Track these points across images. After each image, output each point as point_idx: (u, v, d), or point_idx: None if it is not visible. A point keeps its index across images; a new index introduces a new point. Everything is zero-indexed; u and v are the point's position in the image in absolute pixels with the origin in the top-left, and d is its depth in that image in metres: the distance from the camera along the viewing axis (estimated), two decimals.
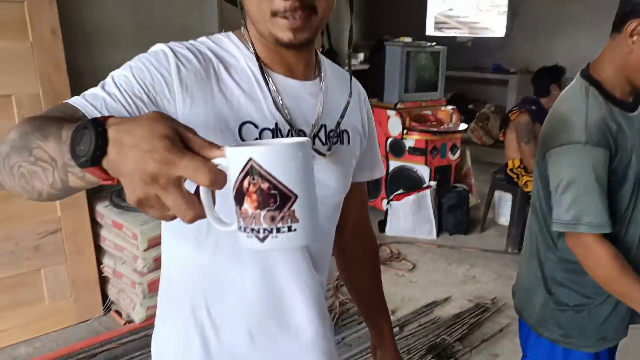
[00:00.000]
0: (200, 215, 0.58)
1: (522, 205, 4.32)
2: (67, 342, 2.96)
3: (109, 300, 3.24)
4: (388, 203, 4.75)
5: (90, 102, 0.79)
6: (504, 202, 4.84)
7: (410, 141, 4.87)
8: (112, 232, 3.12)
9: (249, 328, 1.01)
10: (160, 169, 0.54)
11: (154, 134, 0.55)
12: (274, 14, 0.85)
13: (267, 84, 0.94)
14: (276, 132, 0.93)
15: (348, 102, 1.04)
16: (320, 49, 4.47)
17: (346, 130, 1.07)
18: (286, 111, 0.95)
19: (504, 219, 4.78)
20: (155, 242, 3.01)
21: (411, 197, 4.61)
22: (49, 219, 2.98)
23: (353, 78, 1.09)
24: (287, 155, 0.60)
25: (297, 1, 0.83)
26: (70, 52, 2.99)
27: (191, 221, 0.57)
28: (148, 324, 3.06)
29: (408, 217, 4.60)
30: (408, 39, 5.18)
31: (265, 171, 0.58)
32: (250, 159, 0.58)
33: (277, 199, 0.59)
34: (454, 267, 4.18)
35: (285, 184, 0.59)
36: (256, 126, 0.92)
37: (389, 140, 4.98)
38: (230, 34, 0.99)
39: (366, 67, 6.72)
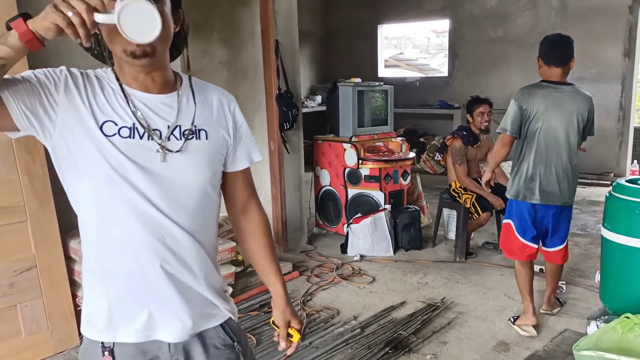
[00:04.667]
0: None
1: (464, 220, 4.48)
2: None
3: None
4: (348, 226, 4.76)
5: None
6: (452, 219, 4.91)
7: (365, 170, 4.94)
8: None
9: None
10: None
11: None
12: (127, 54, 1.14)
13: (125, 96, 1.20)
14: (133, 130, 1.18)
15: (195, 108, 1.28)
16: (277, 90, 4.54)
17: (203, 129, 1.27)
18: (140, 114, 1.20)
19: (453, 233, 4.84)
20: None
21: (368, 219, 4.63)
22: (24, 257, 2.90)
23: (218, 90, 1.36)
24: None
25: (139, 51, 1.13)
26: None
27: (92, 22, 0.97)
28: None
29: (367, 237, 4.61)
30: (358, 80, 5.29)
31: None
32: None
33: None
34: (409, 277, 4.22)
35: None
36: (116, 124, 1.18)
37: (347, 170, 5.03)
38: (108, 68, 1.25)
39: (324, 108, 6.82)
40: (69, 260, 3.12)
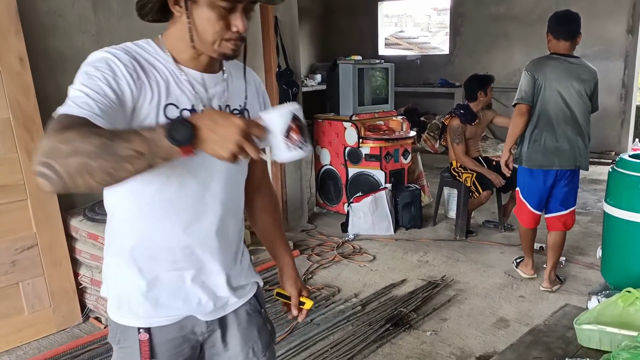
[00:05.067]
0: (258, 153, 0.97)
1: (465, 198, 4.48)
2: (49, 349, 2.88)
3: (87, 308, 3.17)
4: (349, 205, 4.77)
5: (87, 109, 0.98)
6: (452, 198, 4.92)
7: (366, 149, 4.92)
8: (88, 244, 3.07)
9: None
10: (242, 131, 0.92)
11: (227, 115, 0.95)
12: (226, 39, 1.12)
13: (184, 78, 1.16)
14: (192, 112, 1.15)
15: (244, 86, 1.29)
16: (277, 68, 4.51)
17: (247, 110, 1.29)
18: (198, 96, 1.18)
19: (453, 212, 4.85)
20: None
21: (369, 198, 4.64)
22: (25, 235, 2.91)
23: (248, 68, 1.33)
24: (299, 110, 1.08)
25: (239, 37, 1.13)
26: (37, 78, 2.96)
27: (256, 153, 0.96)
28: None
29: (367, 216, 4.62)
30: (358, 57, 5.25)
31: (298, 117, 1.07)
32: (293, 112, 1.06)
33: (303, 131, 1.07)
34: (409, 255, 4.24)
35: (303, 121, 1.08)
36: (177, 107, 1.14)
37: (347, 149, 5.01)
38: (149, 40, 1.18)
39: (324, 87, 6.79)
40: (70, 239, 3.12)
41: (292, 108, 1.07)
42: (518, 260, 3.87)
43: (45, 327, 3.00)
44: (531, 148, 3.37)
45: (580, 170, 3.47)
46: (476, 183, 4.42)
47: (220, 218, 1.24)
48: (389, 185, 4.78)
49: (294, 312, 1.46)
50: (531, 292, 3.54)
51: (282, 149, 1.06)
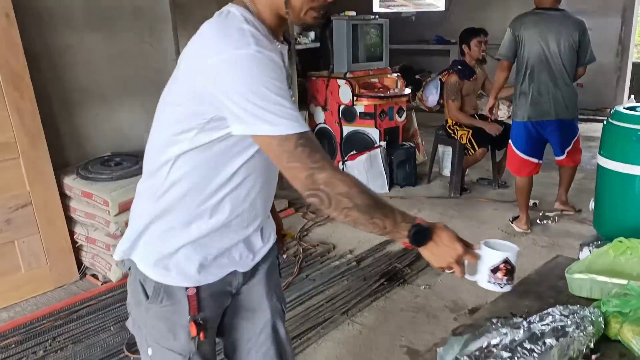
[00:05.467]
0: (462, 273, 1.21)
1: (460, 156, 4.49)
2: (47, 305, 2.92)
3: (84, 266, 3.20)
4: (343, 163, 4.77)
5: (305, 125, 1.08)
6: (447, 156, 4.93)
7: (360, 107, 4.89)
8: (82, 202, 3.07)
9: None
10: (457, 256, 1.16)
11: (453, 240, 1.16)
12: (313, 8, 1.13)
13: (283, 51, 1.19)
14: None
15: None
16: None
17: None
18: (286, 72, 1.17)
19: (448, 170, 4.87)
20: (126, 207, 2.98)
21: (364, 156, 4.64)
22: (19, 194, 2.91)
23: None
24: (516, 256, 1.27)
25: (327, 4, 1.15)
26: (25, 35, 2.90)
27: (460, 274, 1.21)
28: (124, 282, 3.03)
29: (362, 174, 4.63)
30: (352, 13, 5.16)
31: (510, 262, 1.24)
32: (506, 257, 1.24)
33: (511, 272, 1.25)
34: None
35: (514, 265, 1.26)
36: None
37: (341, 107, 4.98)
38: (240, 9, 1.13)
39: (317, 45, 6.68)
40: (64, 197, 3.12)
41: (511, 254, 1.25)
42: (514, 217, 3.95)
43: (42, 285, 3.04)
44: (520, 101, 3.58)
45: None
46: (472, 140, 4.42)
47: (270, 182, 1.29)
48: (383, 144, 4.78)
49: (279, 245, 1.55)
50: (524, 247, 3.59)
51: (483, 279, 1.24)
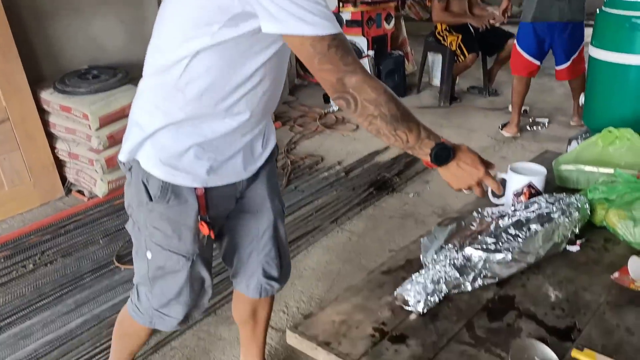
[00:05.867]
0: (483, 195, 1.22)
1: (450, 63, 4.40)
2: (33, 222, 2.91)
3: (68, 182, 3.17)
4: None
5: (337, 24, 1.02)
6: (437, 65, 4.82)
7: (347, 14, 4.71)
8: (61, 117, 2.99)
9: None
10: (479, 178, 1.15)
11: (476, 161, 1.14)
12: None
13: None
14: None
15: None
16: None
17: None
18: None
19: (438, 80, 4.78)
20: (106, 121, 2.92)
21: None
22: None
23: None
24: (543, 180, 1.29)
25: None
26: None
27: (481, 194, 1.22)
28: (111, 197, 3.04)
29: None
30: None
31: (534, 186, 1.28)
32: (530, 181, 1.27)
33: (536, 196, 1.25)
34: None
35: (540, 190, 1.29)
36: None
37: None
38: None
39: None
40: (42, 113, 3.04)
41: (536, 178, 1.26)
42: (503, 124, 3.94)
43: (27, 201, 3.01)
44: (528, 2, 3.53)
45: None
46: (461, 46, 4.30)
47: (280, 83, 1.25)
48: (371, 53, 4.64)
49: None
50: (513, 152, 3.59)
51: (508, 203, 1.28)
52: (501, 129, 3.90)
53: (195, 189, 1.24)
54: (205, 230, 1.26)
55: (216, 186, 1.27)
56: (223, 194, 1.30)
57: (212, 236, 1.28)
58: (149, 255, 1.31)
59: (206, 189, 1.25)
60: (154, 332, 1.53)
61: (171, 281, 1.33)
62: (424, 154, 1.11)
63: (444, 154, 1.12)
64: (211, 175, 1.24)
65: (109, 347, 1.99)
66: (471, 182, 1.16)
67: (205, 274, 1.36)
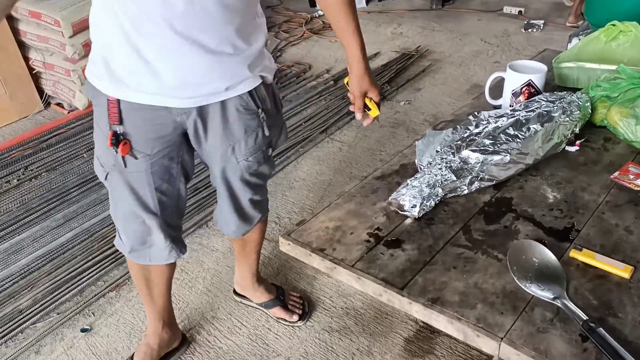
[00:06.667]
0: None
1: None
2: (13, 136, 2.83)
3: (47, 95, 3.06)
4: None
5: None
6: None
7: None
8: (32, 24, 2.83)
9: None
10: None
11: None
12: None
13: None
14: None
15: None
16: None
17: None
18: None
19: None
20: (80, 27, 2.76)
21: None
22: None
23: None
24: (543, 78, 1.26)
25: None
26: None
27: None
28: (92, 110, 2.94)
29: None
30: None
31: (534, 84, 1.25)
32: (529, 80, 1.24)
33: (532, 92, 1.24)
34: (382, 28, 4.08)
35: (539, 87, 1.26)
36: None
37: None
38: None
39: None
40: (11, 20, 2.87)
41: (535, 76, 1.22)
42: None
43: (5, 115, 2.92)
44: None
45: None
46: None
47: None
48: None
49: (358, 116, 1.27)
50: (507, 56, 3.49)
51: (506, 103, 1.26)
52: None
53: (108, 101, 1.15)
54: (109, 142, 1.15)
55: (130, 102, 1.14)
56: (147, 116, 1.17)
57: (122, 152, 1.16)
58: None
59: (119, 101, 1.15)
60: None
61: (112, 198, 1.30)
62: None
63: None
64: (117, 85, 1.13)
65: (102, 260, 2.01)
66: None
67: (133, 203, 1.25)
